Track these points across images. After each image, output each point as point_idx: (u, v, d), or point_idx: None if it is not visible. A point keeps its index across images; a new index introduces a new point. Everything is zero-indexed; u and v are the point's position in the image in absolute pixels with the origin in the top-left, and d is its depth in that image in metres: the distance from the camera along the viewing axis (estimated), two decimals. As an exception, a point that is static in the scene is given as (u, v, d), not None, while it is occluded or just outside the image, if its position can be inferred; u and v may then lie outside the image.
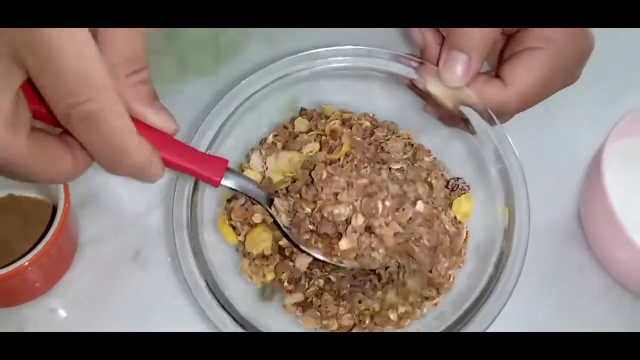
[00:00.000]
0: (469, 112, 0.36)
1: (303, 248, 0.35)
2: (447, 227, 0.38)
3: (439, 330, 0.33)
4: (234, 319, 0.32)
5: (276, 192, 0.37)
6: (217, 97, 0.44)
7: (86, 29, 0.24)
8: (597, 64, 0.52)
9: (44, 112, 0.25)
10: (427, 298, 0.37)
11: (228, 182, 0.32)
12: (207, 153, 0.34)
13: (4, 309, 0.37)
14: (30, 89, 0.25)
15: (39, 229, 0.37)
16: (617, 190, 0.40)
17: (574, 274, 0.43)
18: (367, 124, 0.41)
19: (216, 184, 0.31)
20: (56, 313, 0.37)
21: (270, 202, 0.35)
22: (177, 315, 0.38)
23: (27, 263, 0.33)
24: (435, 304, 0.37)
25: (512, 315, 0.39)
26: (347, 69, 0.39)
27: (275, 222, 0.36)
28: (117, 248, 0.39)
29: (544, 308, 0.41)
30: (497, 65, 0.37)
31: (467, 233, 0.39)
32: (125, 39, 0.26)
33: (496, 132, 0.36)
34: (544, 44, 0.35)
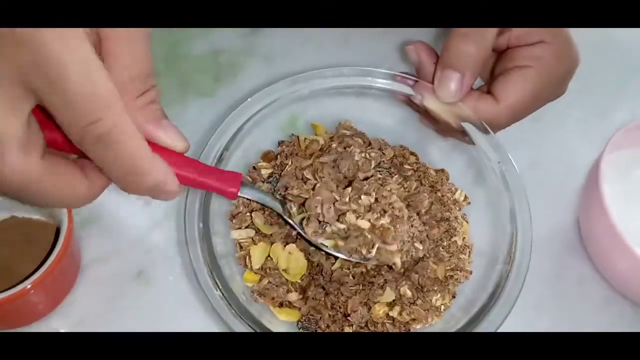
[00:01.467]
0: (465, 125, 0.37)
1: (318, 245, 0.35)
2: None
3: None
4: (249, 325, 0.32)
5: (284, 197, 0.37)
6: (218, 117, 0.45)
7: (92, 50, 0.24)
8: (588, 78, 0.53)
9: (60, 140, 0.26)
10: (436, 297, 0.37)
11: (245, 193, 0.33)
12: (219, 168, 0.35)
13: (6, 330, 0.37)
14: (46, 117, 0.25)
15: (42, 251, 0.37)
16: (615, 201, 0.41)
17: (573, 285, 0.43)
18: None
19: (234, 197, 0.32)
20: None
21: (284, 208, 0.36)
22: (178, 326, 0.37)
23: (29, 286, 0.33)
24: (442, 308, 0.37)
25: (512, 327, 0.39)
26: (346, 87, 0.40)
27: (289, 224, 0.36)
28: (119, 268, 0.39)
29: (544, 319, 0.42)
30: (489, 81, 0.39)
31: (471, 245, 0.40)
32: (133, 57, 0.27)
33: (493, 142, 0.38)
34: (532, 63, 0.37)
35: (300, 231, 0.35)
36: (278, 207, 0.36)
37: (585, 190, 0.44)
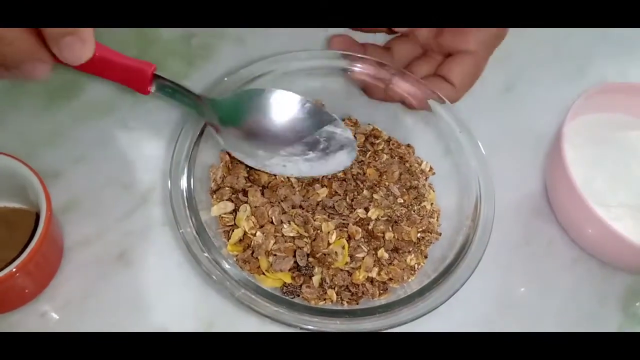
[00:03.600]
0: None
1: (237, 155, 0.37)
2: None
3: (415, 289, 0.36)
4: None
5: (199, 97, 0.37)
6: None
7: None
8: (557, 45, 0.54)
9: None
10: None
11: (157, 86, 0.34)
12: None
13: (-5, 315, 0.38)
14: None
15: (24, 237, 0.38)
16: (579, 166, 0.42)
17: (543, 247, 0.45)
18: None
19: (146, 91, 0.32)
20: (46, 317, 0.38)
21: (201, 108, 0.36)
22: (166, 310, 0.39)
23: (14, 269, 0.34)
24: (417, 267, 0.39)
25: (485, 287, 0.41)
26: (318, 68, 0.41)
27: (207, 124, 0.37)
28: (102, 250, 0.40)
29: (515, 280, 0.43)
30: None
31: (438, 210, 0.42)
32: None
33: (453, 114, 0.41)
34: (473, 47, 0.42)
35: (221, 141, 0.36)
36: (193, 105, 0.36)
37: (549, 157, 0.46)
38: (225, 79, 0.40)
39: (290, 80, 0.41)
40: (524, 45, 0.53)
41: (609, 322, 0.43)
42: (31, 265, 0.35)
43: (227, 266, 0.34)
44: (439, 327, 0.39)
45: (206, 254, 0.34)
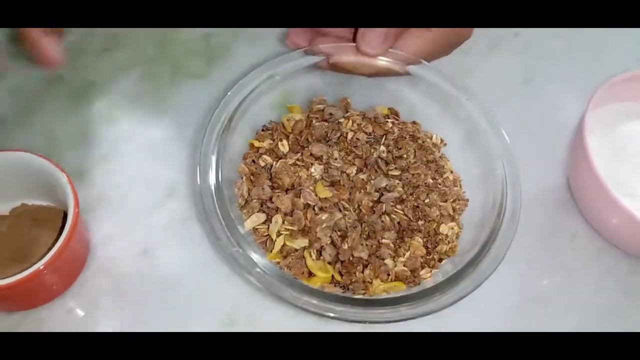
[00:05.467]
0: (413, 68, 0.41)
1: None
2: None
3: (438, 281, 0.36)
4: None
5: None
6: (212, 98, 0.46)
7: None
8: (572, 36, 0.54)
9: None
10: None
11: None
12: None
13: (23, 311, 0.39)
14: None
15: (52, 234, 0.39)
16: (602, 156, 0.42)
17: (567, 239, 0.44)
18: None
19: None
20: (73, 313, 0.39)
21: None
22: (190, 305, 0.39)
23: (42, 267, 0.35)
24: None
25: (510, 279, 0.41)
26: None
27: None
28: (126, 246, 0.40)
29: (541, 274, 0.43)
30: None
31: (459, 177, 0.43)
32: None
33: (455, 83, 0.42)
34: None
35: None
36: None
37: (572, 148, 0.45)
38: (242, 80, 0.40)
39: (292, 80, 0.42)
40: (539, 37, 0.52)
41: (635, 314, 0.42)
42: (59, 262, 0.36)
43: (270, 267, 0.35)
44: (462, 319, 0.39)
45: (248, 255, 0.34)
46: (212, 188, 0.35)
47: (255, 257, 0.34)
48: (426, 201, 0.39)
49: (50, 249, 0.36)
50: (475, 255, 0.36)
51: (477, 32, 0.50)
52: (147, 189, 0.43)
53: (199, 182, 0.36)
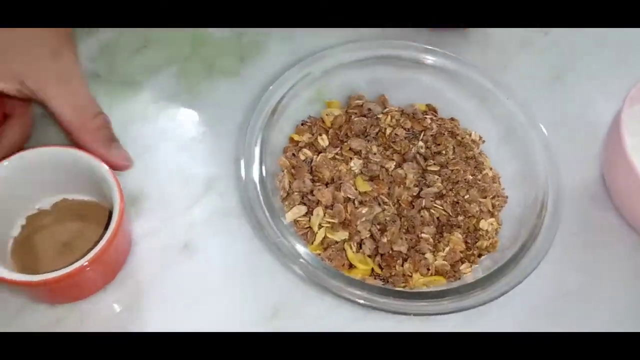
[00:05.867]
0: None
1: None
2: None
3: (478, 276, 0.36)
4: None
5: None
6: (245, 95, 0.47)
7: None
8: (602, 34, 0.54)
9: None
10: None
11: None
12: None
13: (65, 304, 0.39)
14: None
15: (96, 229, 0.39)
16: (637, 153, 0.42)
17: (601, 235, 0.44)
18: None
19: None
20: (115, 306, 0.39)
21: None
22: (231, 298, 0.39)
23: (86, 263, 0.35)
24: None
25: (544, 277, 0.41)
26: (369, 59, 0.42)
27: None
28: (167, 241, 0.41)
29: (576, 271, 0.43)
30: None
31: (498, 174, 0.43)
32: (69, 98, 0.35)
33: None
34: None
35: None
36: None
37: (607, 144, 0.45)
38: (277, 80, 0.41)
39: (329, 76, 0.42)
40: (568, 36, 0.53)
41: (671, 310, 0.42)
42: (103, 257, 0.36)
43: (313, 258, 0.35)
44: (496, 316, 0.39)
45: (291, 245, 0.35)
46: (257, 180, 0.36)
47: (298, 247, 0.35)
48: (466, 197, 0.39)
49: (96, 243, 0.36)
50: (516, 252, 0.36)
51: (508, 31, 0.50)
52: (186, 184, 0.43)
53: (243, 175, 0.36)
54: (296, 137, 0.41)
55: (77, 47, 0.47)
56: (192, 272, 0.40)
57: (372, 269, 0.37)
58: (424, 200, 0.38)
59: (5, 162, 0.35)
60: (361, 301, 0.33)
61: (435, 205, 0.38)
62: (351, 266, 0.37)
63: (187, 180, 0.43)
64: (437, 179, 0.39)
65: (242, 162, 0.36)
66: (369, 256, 0.37)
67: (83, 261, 0.35)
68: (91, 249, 0.36)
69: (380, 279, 0.37)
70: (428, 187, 0.39)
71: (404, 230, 0.38)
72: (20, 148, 0.37)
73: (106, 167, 0.37)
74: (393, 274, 0.37)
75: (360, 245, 0.38)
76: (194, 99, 0.47)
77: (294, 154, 0.40)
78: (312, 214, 0.38)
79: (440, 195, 0.39)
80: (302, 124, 0.42)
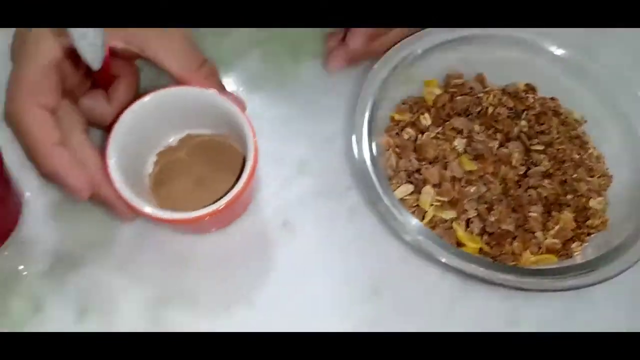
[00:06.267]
0: None
1: None
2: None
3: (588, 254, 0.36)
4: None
5: None
6: (331, 76, 0.47)
7: None
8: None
9: None
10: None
11: None
12: None
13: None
14: None
15: (223, 164, 0.39)
16: None
17: None
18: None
19: None
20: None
21: None
22: (331, 276, 0.39)
23: (223, 206, 0.34)
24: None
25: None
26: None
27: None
28: (265, 220, 0.41)
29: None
30: None
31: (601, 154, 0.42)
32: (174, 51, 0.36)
33: None
34: None
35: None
36: None
37: None
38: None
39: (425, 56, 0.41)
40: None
41: None
42: (238, 200, 0.35)
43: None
44: (589, 311, 0.38)
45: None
46: (367, 157, 0.36)
47: (413, 221, 0.35)
48: (574, 176, 0.39)
49: (226, 179, 0.37)
50: (631, 233, 0.35)
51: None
52: (279, 164, 0.43)
53: (355, 152, 0.36)
54: (397, 117, 0.41)
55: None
56: (292, 249, 0.40)
57: (480, 248, 0.37)
58: (531, 180, 0.38)
59: (139, 104, 0.35)
60: (483, 276, 0.33)
61: (543, 184, 0.38)
62: (459, 244, 0.37)
63: (280, 161, 0.43)
64: (544, 157, 0.39)
65: (354, 139, 0.36)
66: (477, 235, 0.37)
67: (219, 205, 0.34)
68: (228, 189, 0.35)
69: (490, 257, 0.37)
70: (535, 166, 0.38)
71: (510, 209, 0.38)
72: (127, 104, 0.36)
73: (246, 120, 0.36)
74: (503, 252, 0.37)
75: (467, 223, 0.37)
76: (281, 80, 0.47)
77: (397, 133, 0.40)
78: (419, 193, 0.37)
79: (547, 175, 0.38)
80: (402, 103, 0.42)
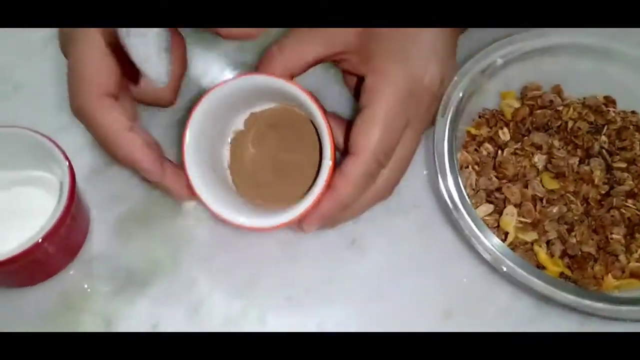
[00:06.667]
0: None
1: None
2: None
3: None
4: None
5: None
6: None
7: None
8: None
9: None
10: None
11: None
12: None
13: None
14: None
15: (292, 134, 0.38)
16: None
17: None
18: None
19: None
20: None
21: None
22: (402, 297, 0.38)
23: (303, 211, 0.33)
24: None
25: None
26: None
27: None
28: (335, 237, 0.39)
29: None
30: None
31: None
32: None
33: None
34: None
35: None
36: None
37: None
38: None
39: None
40: None
41: None
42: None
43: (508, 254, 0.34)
44: None
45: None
46: (449, 175, 0.34)
47: (498, 243, 0.33)
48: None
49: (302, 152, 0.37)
50: None
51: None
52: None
53: (438, 172, 0.34)
54: (474, 131, 0.39)
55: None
56: (361, 268, 0.39)
57: (562, 272, 0.36)
58: (614, 199, 0.36)
59: (210, 94, 0.34)
60: (570, 303, 0.32)
61: (626, 204, 0.36)
62: (538, 266, 0.36)
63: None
64: (627, 176, 0.37)
65: (435, 155, 0.35)
66: (558, 257, 0.36)
67: (301, 211, 0.34)
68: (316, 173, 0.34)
69: (571, 282, 0.36)
70: (618, 184, 0.37)
71: (591, 230, 0.36)
72: (181, 77, 0.36)
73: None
74: (584, 276, 0.35)
75: (547, 245, 0.36)
76: (345, 89, 0.46)
77: (476, 149, 0.38)
78: (498, 213, 0.36)
79: (631, 194, 0.37)
80: (479, 117, 0.40)
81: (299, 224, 0.35)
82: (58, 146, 0.36)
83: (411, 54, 0.34)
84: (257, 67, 0.37)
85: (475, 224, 0.34)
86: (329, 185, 0.33)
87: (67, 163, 0.35)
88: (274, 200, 0.37)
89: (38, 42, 0.45)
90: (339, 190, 0.33)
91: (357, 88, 0.37)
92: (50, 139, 0.36)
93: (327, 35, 0.35)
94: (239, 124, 0.39)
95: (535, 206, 0.36)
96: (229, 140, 0.39)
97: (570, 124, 0.39)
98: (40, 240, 0.34)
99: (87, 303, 0.38)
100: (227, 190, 0.37)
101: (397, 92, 0.33)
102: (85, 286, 0.38)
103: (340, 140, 0.36)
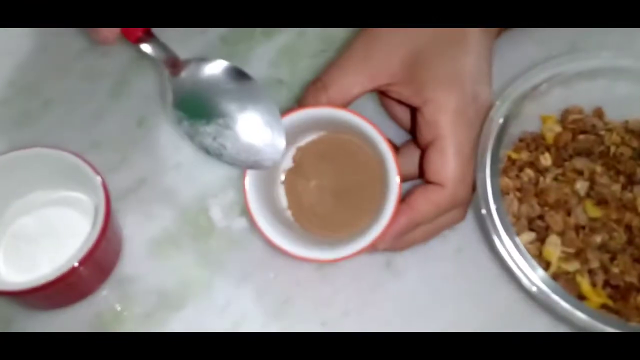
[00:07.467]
0: None
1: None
2: None
3: None
4: None
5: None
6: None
7: None
8: None
9: None
10: None
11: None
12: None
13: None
14: None
15: (337, 160, 0.38)
16: None
17: None
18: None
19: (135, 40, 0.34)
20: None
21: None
22: (433, 317, 0.38)
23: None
24: None
25: None
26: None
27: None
28: (369, 258, 0.39)
29: None
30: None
31: None
32: None
33: None
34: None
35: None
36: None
37: None
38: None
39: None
40: None
41: None
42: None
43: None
44: None
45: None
46: (492, 202, 0.34)
47: (541, 273, 0.33)
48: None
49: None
50: None
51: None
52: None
53: (480, 197, 0.34)
54: (514, 155, 0.38)
55: (254, 51, 0.46)
56: (396, 290, 0.39)
57: (604, 303, 0.35)
58: (658, 228, 0.36)
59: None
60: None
61: None
62: (580, 297, 0.35)
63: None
64: None
65: (478, 181, 0.34)
66: (600, 287, 0.35)
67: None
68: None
69: (614, 312, 0.35)
70: (662, 213, 0.36)
71: (633, 260, 0.36)
72: None
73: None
74: (627, 307, 0.35)
75: (589, 274, 0.35)
76: (377, 103, 0.45)
77: (517, 175, 0.37)
78: (540, 241, 0.36)
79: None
80: (520, 141, 0.39)
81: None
82: (93, 167, 0.35)
83: (460, 77, 0.34)
84: (299, 102, 0.37)
85: (520, 254, 0.33)
86: (400, 202, 0.34)
87: (103, 187, 0.34)
88: (340, 228, 0.37)
89: (68, 57, 0.45)
90: (417, 207, 0.34)
91: (412, 118, 0.38)
92: (84, 160, 0.36)
93: (371, 67, 0.35)
94: (286, 162, 0.38)
95: (578, 235, 0.35)
96: (282, 180, 0.38)
97: (612, 148, 0.38)
98: (76, 265, 0.33)
99: (120, 324, 0.37)
100: (295, 229, 0.37)
101: (457, 120, 0.34)
102: (118, 308, 0.38)
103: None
